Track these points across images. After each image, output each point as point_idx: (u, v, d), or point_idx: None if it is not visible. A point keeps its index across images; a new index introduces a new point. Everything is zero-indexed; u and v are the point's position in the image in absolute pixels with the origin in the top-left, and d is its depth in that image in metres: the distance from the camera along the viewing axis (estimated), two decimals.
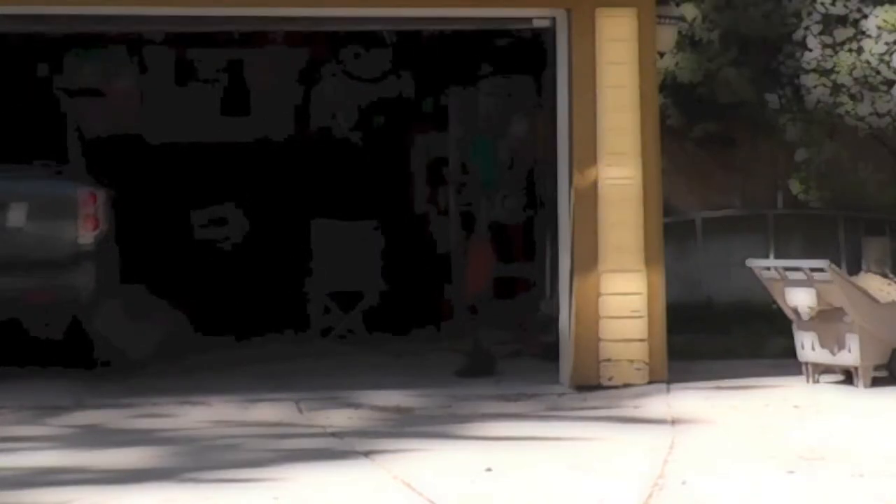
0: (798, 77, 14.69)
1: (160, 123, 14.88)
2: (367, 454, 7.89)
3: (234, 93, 15.32)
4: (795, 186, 15.46)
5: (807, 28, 14.68)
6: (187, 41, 14.59)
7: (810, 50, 14.54)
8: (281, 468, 7.48)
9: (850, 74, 14.40)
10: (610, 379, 10.68)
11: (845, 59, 14.42)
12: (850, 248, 15.70)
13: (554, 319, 11.22)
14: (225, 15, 10.81)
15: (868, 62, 14.33)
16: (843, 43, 14.58)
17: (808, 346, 10.93)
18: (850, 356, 10.63)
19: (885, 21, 14.38)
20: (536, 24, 11.03)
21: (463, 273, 13.95)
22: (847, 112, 14.47)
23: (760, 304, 13.12)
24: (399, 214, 14.83)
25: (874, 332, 10.59)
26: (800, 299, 10.81)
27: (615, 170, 10.75)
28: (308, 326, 13.94)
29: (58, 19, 10.85)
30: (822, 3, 14.61)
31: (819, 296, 10.66)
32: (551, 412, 9.74)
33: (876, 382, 10.58)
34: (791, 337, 11.13)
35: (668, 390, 10.48)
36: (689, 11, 15.03)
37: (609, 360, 10.69)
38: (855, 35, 14.56)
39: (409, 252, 14.48)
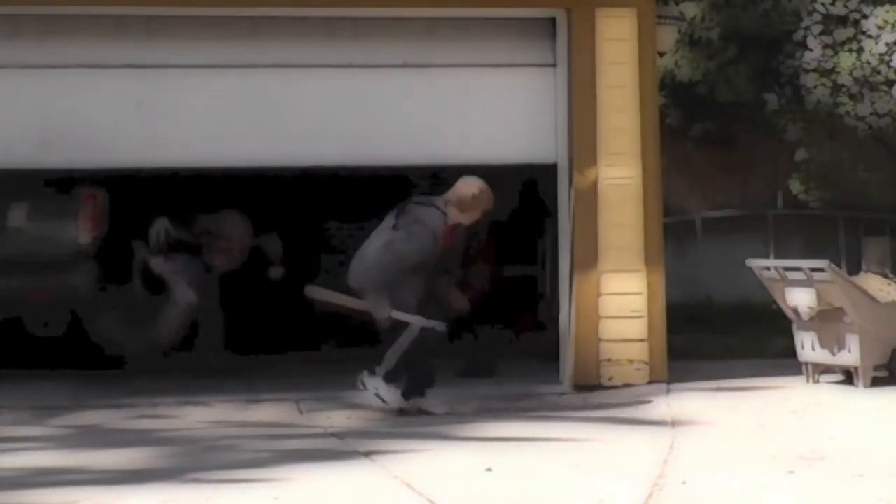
0: (798, 77, 14.70)
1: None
2: (367, 454, 7.89)
3: None
4: (795, 186, 15.47)
5: (807, 28, 14.70)
6: None
7: (810, 50, 14.55)
8: (281, 468, 7.48)
9: (851, 74, 14.41)
10: (610, 379, 10.69)
11: (845, 59, 14.42)
12: (850, 248, 15.71)
13: (554, 319, 11.22)
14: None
15: (868, 62, 14.34)
16: (843, 43, 14.59)
17: (808, 346, 10.93)
18: (850, 356, 10.63)
19: (885, 21, 14.39)
20: (543, 162, 11.03)
21: (462, 273, 13.91)
22: (847, 112, 14.48)
23: (760, 304, 13.13)
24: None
25: (874, 332, 10.59)
26: (800, 299, 10.81)
27: (615, 170, 10.76)
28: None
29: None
30: (822, 3, 14.63)
31: (819, 296, 10.66)
32: (551, 412, 9.73)
33: (876, 382, 10.58)
34: (791, 337, 11.13)
35: (668, 390, 10.48)
36: (689, 10, 15.05)
37: (609, 360, 10.70)
38: (855, 35, 14.57)
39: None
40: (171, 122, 10.63)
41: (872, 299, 10.68)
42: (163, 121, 10.62)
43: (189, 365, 12.00)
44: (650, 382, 10.65)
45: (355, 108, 10.80)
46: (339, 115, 10.76)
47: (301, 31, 10.83)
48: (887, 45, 14.46)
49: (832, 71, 14.60)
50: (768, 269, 11.22)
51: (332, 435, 8.74)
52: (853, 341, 10.57)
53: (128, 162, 10.76)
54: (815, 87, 14.62)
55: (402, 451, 7.97)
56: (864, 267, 14.02)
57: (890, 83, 14.47)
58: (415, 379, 9.41)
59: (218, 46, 10.72)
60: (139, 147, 10.62)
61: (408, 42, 10.90)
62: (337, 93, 10.79)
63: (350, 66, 10.83)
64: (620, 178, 10.76)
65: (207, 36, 10.74)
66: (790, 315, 11.05)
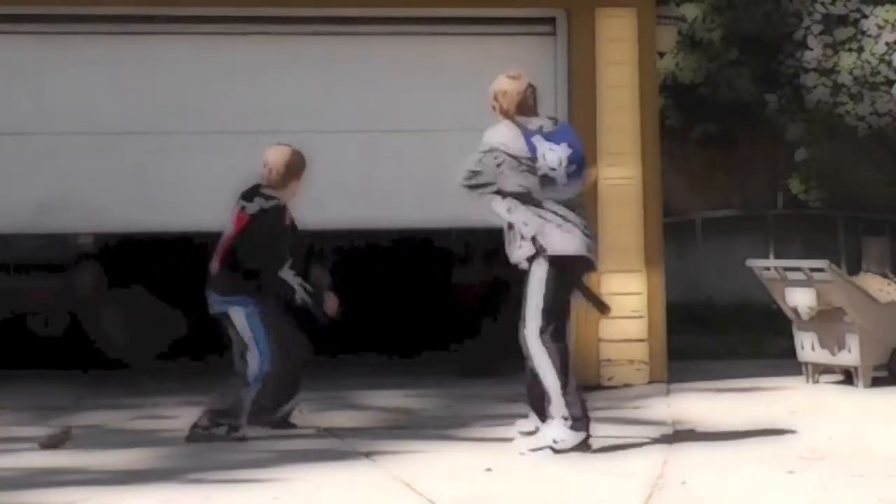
0: (798, 77, 14.71)
1: None
2: (367, 454, 7.89)
3: None
4: (795, 186, 15.48)
5: (807, 28, 14.71)
6: None
7: (811, 49, 14.56)
8: (281, 468, 7.48)
9: (851, 74, 14.42)
10: (610, 379, 10.69)
11: (846, 58, 14.43)
12: (850, 248, 15.71)
13: None
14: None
15: (868, 62, 14.35)
16: (843, 43, 14.60)
17: (808, 346, 10.93)
18: (850, 356, 10.63)
19: (885, 21, 14.40)
20: None
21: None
22: (847, 112, 14.49)
23: (760, 304, 13.12)
24: None
25: (874, 332, 10.59)
26: (800, 299, 10.81)
27: (615, 170, 10.77)
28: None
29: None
30: (822, 3, 14.64)
31: (819, 296, 10.66)
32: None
33: (876, 382, 10.58)
34: (791, 337, 11.13)
35: (668, 391, 10.49)
36: (690, 11, 15.05)
37: (609, 360, 10.71)
38: (855, 35, 14.58)
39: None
40: (169, 187, 10.57)
41: (872, 299, 10.69)
42: (160, 186, 10.57)
43: (190, 365, 12.01)
44: (650, 382, 10.65)
45: (359, 172, 10.71)
46: (343, 178, 10.62)
47: (302, 99, 10.77)
48: (887, 44, 14.46)
49: (832, 70, 14.61)
50: (768, 269, 11.22)
51: (332, 435, 8.74)
52: (853, 341, 10.57)
53: (126, 226, 10.76)
54: (815, 86, 14.62)
55: (403, 452, 7.97)
56: (864, 267, 14.01)
57: (890, 83, 14.47)
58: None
59: (217, 111, 10.67)
60: (136, 211, 10.58)
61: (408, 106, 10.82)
62: (341, 156, 10.65)
63: (352, 130, 10.75)
64: (620, 178, 10.77)
65: (205, 101, 10.70)
66: (790, 315, 11.05)
